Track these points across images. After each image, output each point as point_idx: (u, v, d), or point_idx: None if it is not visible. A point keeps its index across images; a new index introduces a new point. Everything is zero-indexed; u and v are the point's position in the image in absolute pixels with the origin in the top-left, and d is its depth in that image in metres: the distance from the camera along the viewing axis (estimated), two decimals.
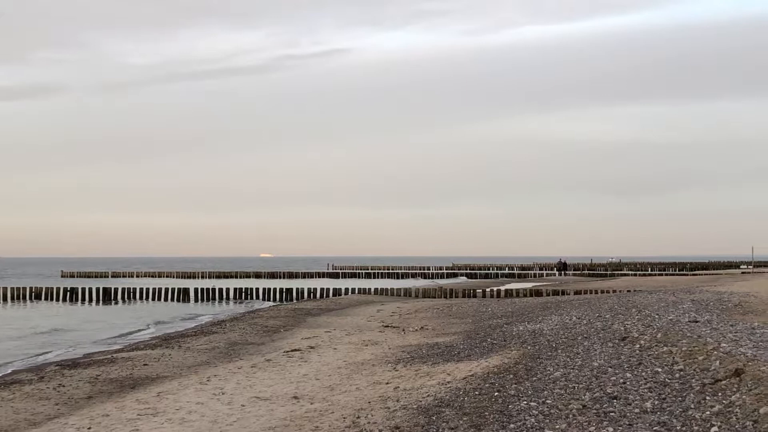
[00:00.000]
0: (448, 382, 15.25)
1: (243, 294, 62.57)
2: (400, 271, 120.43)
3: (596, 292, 50.71)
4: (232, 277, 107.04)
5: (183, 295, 62.14)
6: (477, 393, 13.61)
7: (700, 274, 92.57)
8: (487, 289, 58.09)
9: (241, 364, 21.42)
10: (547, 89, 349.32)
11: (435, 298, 52.96)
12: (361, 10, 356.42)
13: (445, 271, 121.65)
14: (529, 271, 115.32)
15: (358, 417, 13.02)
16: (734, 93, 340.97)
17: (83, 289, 63.37)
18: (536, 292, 54.46)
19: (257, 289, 62.98)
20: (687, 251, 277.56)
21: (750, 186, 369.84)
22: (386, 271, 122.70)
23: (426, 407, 13.00)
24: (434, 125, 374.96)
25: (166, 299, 61.44)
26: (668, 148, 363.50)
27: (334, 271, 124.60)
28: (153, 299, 61.43)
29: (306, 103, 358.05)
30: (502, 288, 62.55)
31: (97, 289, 63.63)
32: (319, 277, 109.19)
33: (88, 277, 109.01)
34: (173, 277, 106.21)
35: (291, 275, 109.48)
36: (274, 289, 62.53)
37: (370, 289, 60.00)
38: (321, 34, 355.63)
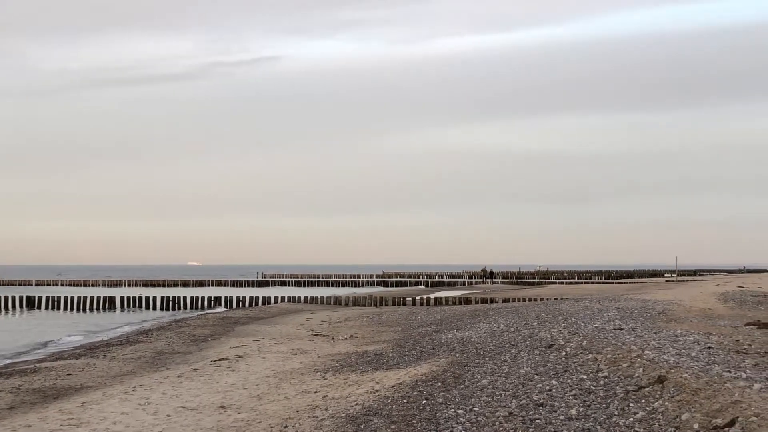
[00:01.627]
0: (377, 391, 15.25)
1: (170, 302, 61.79)
2: (330, 280, 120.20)
3: (524, 300, 51.22)
4: (159, 285, 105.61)
5: (109, 303, 61.20)
6: (405, 401, 13.64)
7: (625, 283, 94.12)
8: (417, 297, 58.29)
9: (168, 374, 21.15)
10: (476, 100, 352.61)
11: (365, 306, 52.97)
12: (291, 18, 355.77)
13: (375, 279, 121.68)
14: (459, 279, 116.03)
15: (286, 426, 12.95)
16: (659, 105, 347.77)
17: (6, 298, 61.97)
18: (465, 300, 54.78)
19: (185, 298, 62.27)
20: (613, 260, 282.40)
21: (674, 196, 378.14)
22: (316, 279, 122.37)
23: (354, 416, 12.99)
24: (364, 135, 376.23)
25: (91, 308, 60.43)
26: (596, 158, 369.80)
27: (264, 279, 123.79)
28: (78, 308, 60.34)
29: (235, 110, 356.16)
30: (432, 296, 62.82)
31: (21, 298, 62.33)
32: (248, 285, 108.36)
33: (12, 285, 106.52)
34: (99, 286, 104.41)
35: (219, 283, 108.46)
36: (202, 298, 61.95)
37: (299, 297, 59.76)
38: (250, 41, 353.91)
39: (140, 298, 61.67)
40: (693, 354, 14.65)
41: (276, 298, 59.64)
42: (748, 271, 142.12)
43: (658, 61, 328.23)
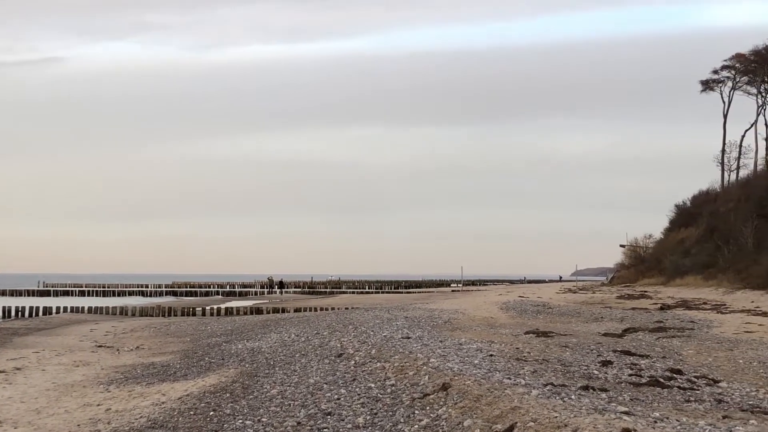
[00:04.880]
0: (163, 403, 14.91)
1: None
2: (116, 290, 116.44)
3: (315, 310, 51.48)
4: None
5: None
6: (192, 413, 13.39)
7: (414, 292, 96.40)
8: (207, 308, 57.46)
9: None
10: (268, 109, 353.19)
11: (153, 316, 51.68)
12: (81, 19, 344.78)
13: (164, 288, 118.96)
14: (251, 289, 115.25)
15: None
16: (457, 119, 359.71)
17: None
18: (257, 310, 54.48)
19: None
20: (402, 270, 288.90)
21: (459, 208, 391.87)
22: (101, 289, 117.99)
23: (138, 429, 12.63)
24: (150, 141, 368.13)
25: None
26: (388, 170, 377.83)
27: (45, 288, 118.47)
28: None
29: (15, 113, 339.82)
30: (223, 306, 62.10)
31: None
32: (28, 295, 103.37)
33: None
34: None
35: None
36: None
37: (83, 307, 57.58)
38: (36, 41, 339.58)
39: None
40: (476, 361, 15.16)
41: (58, 308, 57.23)
42: (528, 282, 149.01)
43: (455, 78, 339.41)
